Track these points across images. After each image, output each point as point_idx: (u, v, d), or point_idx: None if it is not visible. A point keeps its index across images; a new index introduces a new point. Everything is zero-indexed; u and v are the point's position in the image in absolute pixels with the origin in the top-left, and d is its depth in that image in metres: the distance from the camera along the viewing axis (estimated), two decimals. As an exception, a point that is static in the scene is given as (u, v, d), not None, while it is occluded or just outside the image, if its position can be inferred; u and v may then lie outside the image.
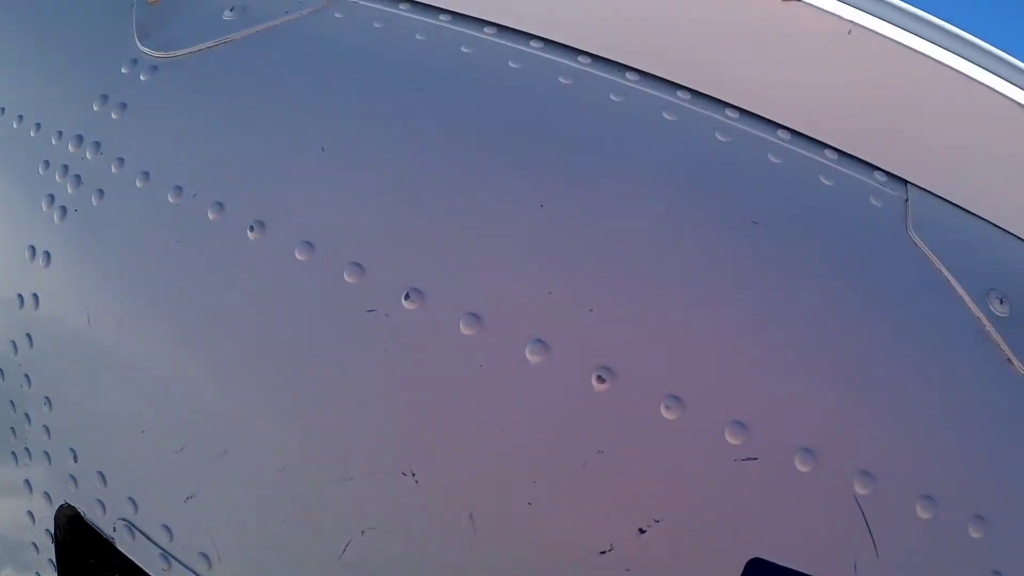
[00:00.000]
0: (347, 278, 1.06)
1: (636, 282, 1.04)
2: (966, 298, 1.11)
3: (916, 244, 1.14)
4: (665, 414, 1.00)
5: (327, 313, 1.09)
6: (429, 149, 1.13)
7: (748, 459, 1.01)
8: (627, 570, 1.02)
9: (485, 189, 1.10)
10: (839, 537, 1.02)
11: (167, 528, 1.19)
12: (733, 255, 1.06)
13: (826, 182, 1.16)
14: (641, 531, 1.01)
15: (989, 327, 1.10)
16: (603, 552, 1.02)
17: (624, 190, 1.09)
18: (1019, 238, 1.22)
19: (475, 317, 1.03)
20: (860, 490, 1.01)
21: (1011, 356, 1.10)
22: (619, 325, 1.03)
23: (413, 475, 1.04)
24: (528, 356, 1.02)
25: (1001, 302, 1.12)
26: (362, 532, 1.08)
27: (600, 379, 1.01)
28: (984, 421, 1.08)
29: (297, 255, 1.08)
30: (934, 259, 1.13)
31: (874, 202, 1.16)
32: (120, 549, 1.24)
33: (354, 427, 1.09)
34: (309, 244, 1.08)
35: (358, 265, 1.06)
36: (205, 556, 1.17)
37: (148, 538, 1.21)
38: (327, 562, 1.10)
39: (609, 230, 1.06)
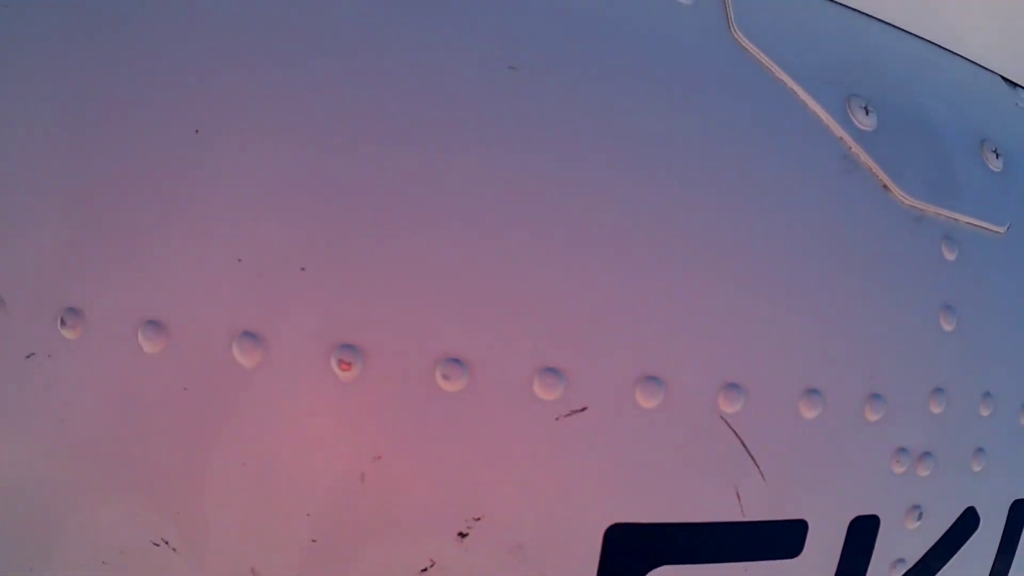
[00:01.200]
0: None
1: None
2: (821, 113, 0.83)
3: (744, 48, 0.83)
4: (444, 385, 0.73)
5: None
6: None
7: (573, 413, 0.75)
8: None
9: None
10: (711, 470, 0.80)
11: None
12: (488, 114, 0.74)
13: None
14: (462, 535, 0.77)
15: (855, 148, 0.83)
16: (424, 570, 0.78)
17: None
18: (877, 20, 0.92)
19: None
20: (727, 408, 0.78)
21: (886, 180, 0.84)
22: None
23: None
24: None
25: (866, 111, 0.84)
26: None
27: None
28: (866, 268, 0.83)
29: None
30: (772, 65, 0.83)
31: None
32: None
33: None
34: None
35: None
36: None
37: None
38: None
39: None
